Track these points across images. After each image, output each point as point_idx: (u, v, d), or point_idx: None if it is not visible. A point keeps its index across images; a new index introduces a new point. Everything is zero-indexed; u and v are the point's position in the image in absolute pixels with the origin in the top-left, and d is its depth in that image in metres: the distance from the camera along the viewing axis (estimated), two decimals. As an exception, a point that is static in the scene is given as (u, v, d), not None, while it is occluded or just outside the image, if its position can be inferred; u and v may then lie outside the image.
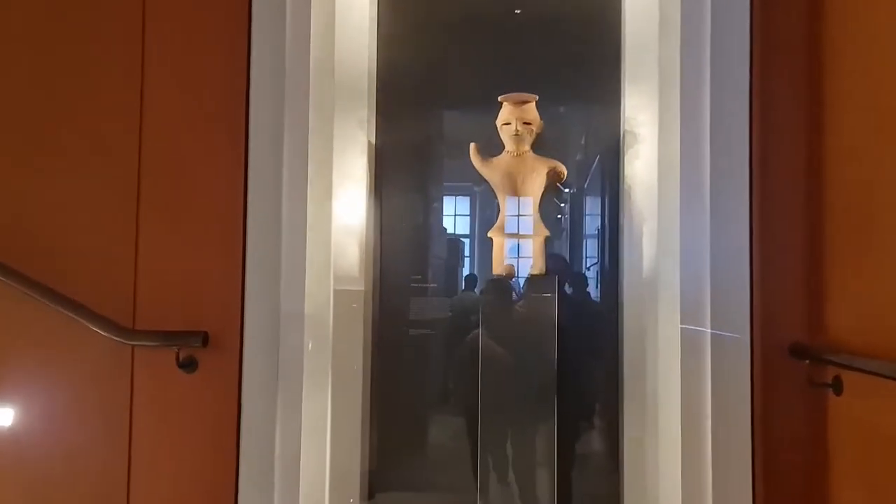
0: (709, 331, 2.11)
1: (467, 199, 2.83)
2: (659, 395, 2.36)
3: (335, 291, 2.57)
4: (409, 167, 2.77)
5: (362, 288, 2.72)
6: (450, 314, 2.69)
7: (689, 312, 2.14)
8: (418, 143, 2.76)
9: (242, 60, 2.42)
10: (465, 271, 2.79)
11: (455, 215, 2.82)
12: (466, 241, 2.83)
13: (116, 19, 2.48)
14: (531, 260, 2.41)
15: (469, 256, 2.79)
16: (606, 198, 2.62)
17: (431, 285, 2.78)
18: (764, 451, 2.12)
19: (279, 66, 2.38)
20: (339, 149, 2.56)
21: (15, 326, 2.44)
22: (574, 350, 2.46)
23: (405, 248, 2.79)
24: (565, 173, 2.46)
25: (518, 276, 2.44)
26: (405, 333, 2.77)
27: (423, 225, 2.82)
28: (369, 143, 2.63)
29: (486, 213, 2.68)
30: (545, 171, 2.44)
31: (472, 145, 2.49)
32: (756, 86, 2.16)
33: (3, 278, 2.36)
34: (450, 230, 2.83)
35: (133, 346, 2.36)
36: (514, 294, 2.43)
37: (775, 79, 2.18)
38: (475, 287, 2.70)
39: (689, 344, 2.14)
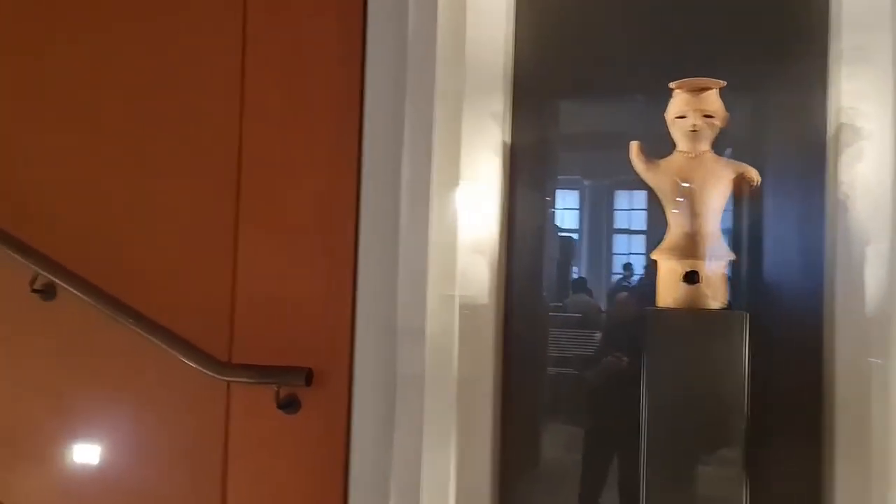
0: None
1: (625, 212, 2.35)
2: (890, 466, 1.79)
3: (461, 312, 2.15)
4: (551, 171, 2.30)
5: (493, 309, 2.28)
6: (594, 338, 2.26)
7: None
8: (564, 143, 2.29)
9: (356, 44, 2.04)
10: (614, 287, 2.34)
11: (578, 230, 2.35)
12: (622, 257, 2.35)
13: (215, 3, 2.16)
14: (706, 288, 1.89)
15: (624, 274, 2.32)
16: (801, 210, 2.06)
17: (570, 305, 2.32)
18: None
19: (400, 50, 1.99)
20: (468, 148, 2.13)
21: (103, 354, 2.17)
22: (765, 403, 1.93)
23: (540, 263, 2.33)
24: (757, 180, 1.92)
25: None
26: (540, 359, 2.32)
27: (563, 238, 2.35)
28: (504, 142, 2.19)
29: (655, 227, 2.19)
30: (731, 177, 1.91)
31: (632, 144, 2.00)
32: None
33: (88, 299, 2.09)
34: (596, 245, 2.36)
35: (228, 381, 2.02)
36: (682, 328, 1.93)
37: None
38: (623, 307, 2.25)
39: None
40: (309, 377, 1.97)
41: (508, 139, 2.22)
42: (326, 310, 2.04)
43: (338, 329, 2.02)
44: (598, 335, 2.28)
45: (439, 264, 2.05)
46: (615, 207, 2.42)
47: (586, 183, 2.40)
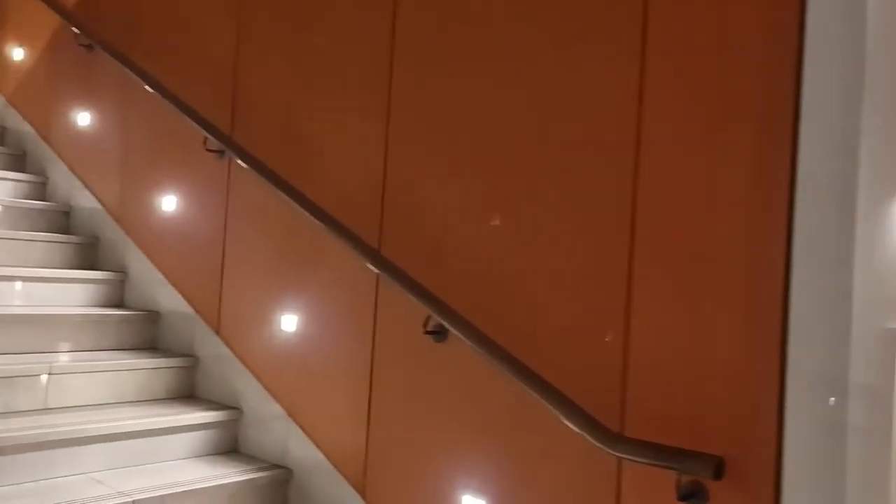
0: None
1: None
2: None
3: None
4: None
5: None
6: None
7: None
8: None
9: (791, 43, 1.59)
10: None
11: None
12: None
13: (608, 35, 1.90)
14: None
15: None
16: None
17: None
18: None
19: (855, 50, 1.49)
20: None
21: (489, 401, 2.05)
22: None
23: None
24: None
25: None
26: None
27: None
28: None
29: None
30: None
31: None
32: None
33: (474, 345, 1.98)
34: None
35: (620, 457, 1.72)
36: None
37: None
38: None
39: None
40: (719, 469, 1.56)
41: None
42: (744, 382, 1.61)
43: (760, 408, 1.57)
44: None
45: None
46: None
47: None
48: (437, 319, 2.10)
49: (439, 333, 2.14)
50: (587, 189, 1.90)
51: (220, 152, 2.95)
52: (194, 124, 2.99)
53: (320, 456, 2.49)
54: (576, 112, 1.94)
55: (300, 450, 2.56)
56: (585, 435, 1.73)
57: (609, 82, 1.89)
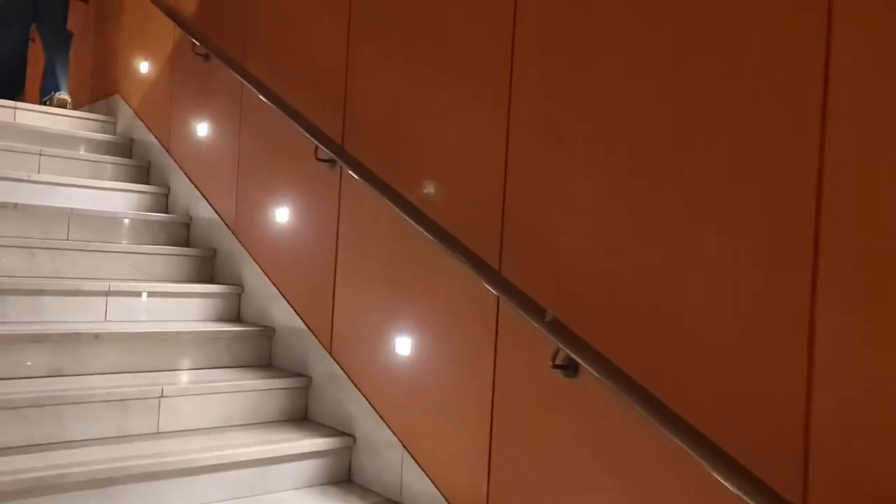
0: None
1: None
2: None
3: None
4: None
5: None
6: None
7: None
8: None
9: None
10: None
11: None
12: None
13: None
14: None
15: None
16: None
17: None
18: None
19: None
20: None
21: (626, 449, 1.75)
22: None
23: None
24: None
25: None
26: None
27: None
28: None
29: None
30: None
31: None
32: None
33: (608, 383, 1.70)
34: None
35: (800, 537, 1.39)
36: None
37: None
38: None
39: None
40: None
41: None
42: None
43: None
44: None
45: None
46: None
47: None
48: (566, 352, 1.83)
49: (569, 368, 1.87)
50: (754, 197, 1.57)
51: (332, 162, 2.81)
52: (305, 133, 2.87)
53: (437, 493, 2.28)
54: (739, 104, 1.61)
55: (415, 484, 2.36)
56: (746, 498, 1.42)
57: (784, 62, 1.55)
